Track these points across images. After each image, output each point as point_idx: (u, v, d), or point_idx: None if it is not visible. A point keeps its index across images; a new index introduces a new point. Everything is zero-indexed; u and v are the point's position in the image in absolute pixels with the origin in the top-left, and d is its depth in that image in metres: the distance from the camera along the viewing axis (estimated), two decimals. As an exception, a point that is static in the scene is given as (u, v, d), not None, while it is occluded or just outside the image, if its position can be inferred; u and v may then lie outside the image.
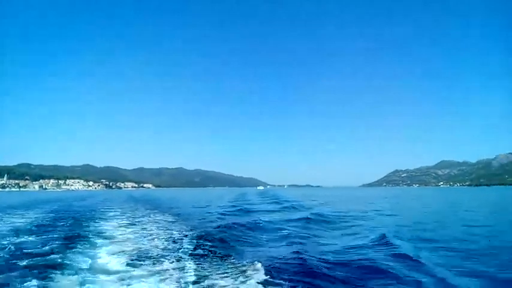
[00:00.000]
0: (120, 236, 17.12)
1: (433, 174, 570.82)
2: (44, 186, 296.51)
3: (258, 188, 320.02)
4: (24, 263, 10.97)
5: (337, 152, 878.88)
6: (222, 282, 9.35)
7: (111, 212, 31.81)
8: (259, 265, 10.74)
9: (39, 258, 11.68)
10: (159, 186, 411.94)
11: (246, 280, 9.45)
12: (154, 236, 17.18)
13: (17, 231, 18.39)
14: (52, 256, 11.96)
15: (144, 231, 18.96)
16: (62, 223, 22.43)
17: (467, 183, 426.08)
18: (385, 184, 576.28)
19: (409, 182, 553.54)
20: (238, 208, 37.30)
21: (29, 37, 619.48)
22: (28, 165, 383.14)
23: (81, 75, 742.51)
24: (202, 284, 9.21)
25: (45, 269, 10.14)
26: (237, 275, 9.99)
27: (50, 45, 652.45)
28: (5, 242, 14.62)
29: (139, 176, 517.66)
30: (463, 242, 15.74)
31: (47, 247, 13.57)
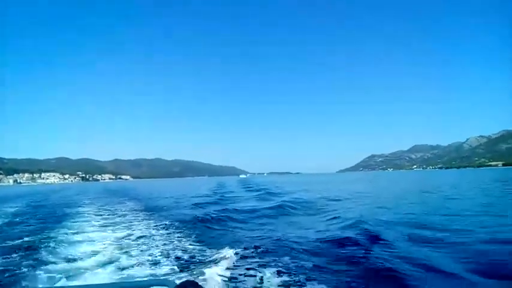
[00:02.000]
0: (92, 233, 16.17)
1: (407, 158, 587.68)
2: (18, 181, 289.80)
3: (241, 176, 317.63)
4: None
5: (315, 139, 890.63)
6: (197, 269, 9.39)
7: (82, 206, 31.35)
8: (230, 251, 10.91)
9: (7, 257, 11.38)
10: (137, 178, 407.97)
11: (219, 265, 9.52)
12: (125, 229, 16.99)
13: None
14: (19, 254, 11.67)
15: (116, 225, 18.58)
16: (28, 220, 22.48)
17: (439, 166, 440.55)
18: (361, 169, 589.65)
19: (384, 166, 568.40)
20: (218, 197, 38.09)
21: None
22: (1, 159, 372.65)
23: (52, 66, 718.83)
24: (177, 273, 9.21)
25: (13, 268, 9.85)
26: (211, 261, 10.11)
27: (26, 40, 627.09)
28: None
29: (117, 167, 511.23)
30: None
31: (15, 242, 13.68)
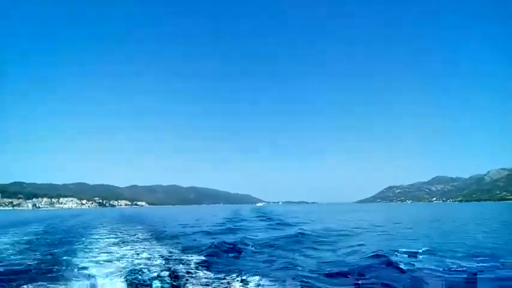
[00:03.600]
0: (105, 256, 16.93)
1: (427, 190, 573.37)
2: (37, 205, 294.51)
3: (257, 204, 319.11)
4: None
5: (332, 168, 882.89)
6: None
7: (98, 231, 32.63)
8: (253, 279, 11.16)
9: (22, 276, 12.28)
10: (153, 204, 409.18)
11: None
12: (140, 255, 17.25)
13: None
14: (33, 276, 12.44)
15: (131, 251, 18.97)
16: (44, 244, 23.24)
17: (459, 198, 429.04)
18: (379, 200, 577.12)
19: (402, 198, 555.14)
20: (230, 226, 37.93)
21: (25, 52, 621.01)
22: (21, 183, 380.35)
23: (70, 92, 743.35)
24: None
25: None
26: None
27: (41, 58, 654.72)
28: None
29: (133, 193, 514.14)
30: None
31: (30, 266, 14.28)
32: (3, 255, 18.57)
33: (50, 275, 12.38)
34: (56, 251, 19.21)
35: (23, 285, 10.78)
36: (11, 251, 19.76)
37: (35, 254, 17.62)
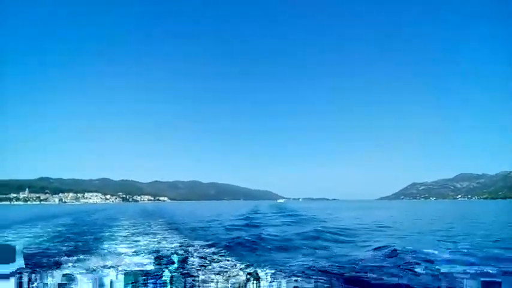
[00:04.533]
0: (127, 250, 17.41)
1: (452, 187, 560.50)
2: (63, 200, 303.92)
3: (279, 201, 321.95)
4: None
5: (353, 164, 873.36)
6: None
7: (122, 223, 34.18)
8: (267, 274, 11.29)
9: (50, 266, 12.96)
10: (174, 199, 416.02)
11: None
12: (160, 246, 18.24)
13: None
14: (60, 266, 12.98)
15: (151, 242, 20.05)
16: (72, 236, 24.25)
17: (485, 196, 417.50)
18: (402, 197, 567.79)
19: (426, 195, 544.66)
20: (248, 222, 38.23)
21: (46, 52, 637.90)
22: (48, 179, 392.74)
23: (97, 89, 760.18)
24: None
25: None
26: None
27: (68, 58, 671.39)
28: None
29: (155, 189, 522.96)
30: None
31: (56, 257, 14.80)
32: (37, 242, 20.35)
33: (78, 261, 13.48)
34: (84, 238, 20.99)
35: (57, 269, 11.84)
36: (45, 238, 21.89)
37: (65, 243, 19.26)
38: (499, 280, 10.92)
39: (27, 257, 13.07)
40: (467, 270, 12.17)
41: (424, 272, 12.08)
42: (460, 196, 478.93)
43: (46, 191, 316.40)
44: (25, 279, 9.88)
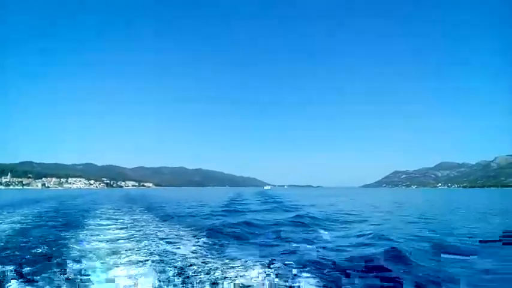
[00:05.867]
0: (110, 236, 17.46)
1: (433, 176, 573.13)
2: (46, 185, 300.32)
3: (265, 187, 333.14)
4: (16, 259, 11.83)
5: (338, 152, 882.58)
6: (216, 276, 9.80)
7: (103, 211, 33.59)
8: (240, 263, 11.22)
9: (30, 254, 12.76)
10: (159, 185, 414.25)
11: (236, 278, 9.69)
12: (141, 234, 17.72)
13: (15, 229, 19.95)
14: (42, 252, 13.15)
15: (132, 230, 19.57)
16: (51, 222, 23.93)
17: (464, 184, 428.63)
18: (384, 185, 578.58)
19: (408, 183, 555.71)
20: (232, 208, 38.36)
21: (32, 36, 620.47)
22: (30, 163, 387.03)
23: (81, 74, 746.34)
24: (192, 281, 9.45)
25: (35, 265, 11.01)
26: (229, 273, 10.19)
27: (51, 44, 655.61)
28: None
29: (140, 175, 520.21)
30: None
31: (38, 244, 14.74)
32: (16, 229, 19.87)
33: (50, 254, 12.93)
34: (59, 229, 19.87)
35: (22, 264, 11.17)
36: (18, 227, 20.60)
37: (38, 235, 17.54)
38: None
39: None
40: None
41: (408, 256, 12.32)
42: (440, 184, 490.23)
43: (29, 175, 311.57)
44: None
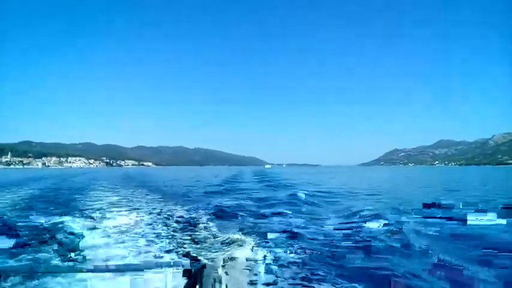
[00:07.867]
0: (108, 213, 17.59)
1: (430, 154, 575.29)
2: (46, 164, 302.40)
3: (266, 166, 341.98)
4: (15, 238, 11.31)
5: (336, 130, 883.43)
6: (210, 255, 9.69)
7: (100, 189, 34.02)
8: (247, 238, 11.47)
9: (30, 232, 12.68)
10: (159, 165, 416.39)
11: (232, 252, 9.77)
12: (136, 213, 17.58)
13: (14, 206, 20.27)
14: (43, 230, 13.03)
15: (127, 208, 19.72)
16: (52, 199, 24.66)
17: (461, 162, 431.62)
18: (382, 163, 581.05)
19: (406, 161, 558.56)
20: (229, 187, 38.52)
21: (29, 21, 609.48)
22: (29, 142, 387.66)
23: (79, 54, 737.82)
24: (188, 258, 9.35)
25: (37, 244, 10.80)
26: (224, 249, 10.31)
27: (49, 26, 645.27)
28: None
29: (140, 154, 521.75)
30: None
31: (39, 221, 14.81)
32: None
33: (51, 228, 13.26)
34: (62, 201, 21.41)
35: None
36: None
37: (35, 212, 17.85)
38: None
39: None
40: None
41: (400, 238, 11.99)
42: (437, 162, 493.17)
43: (29, 154, 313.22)
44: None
